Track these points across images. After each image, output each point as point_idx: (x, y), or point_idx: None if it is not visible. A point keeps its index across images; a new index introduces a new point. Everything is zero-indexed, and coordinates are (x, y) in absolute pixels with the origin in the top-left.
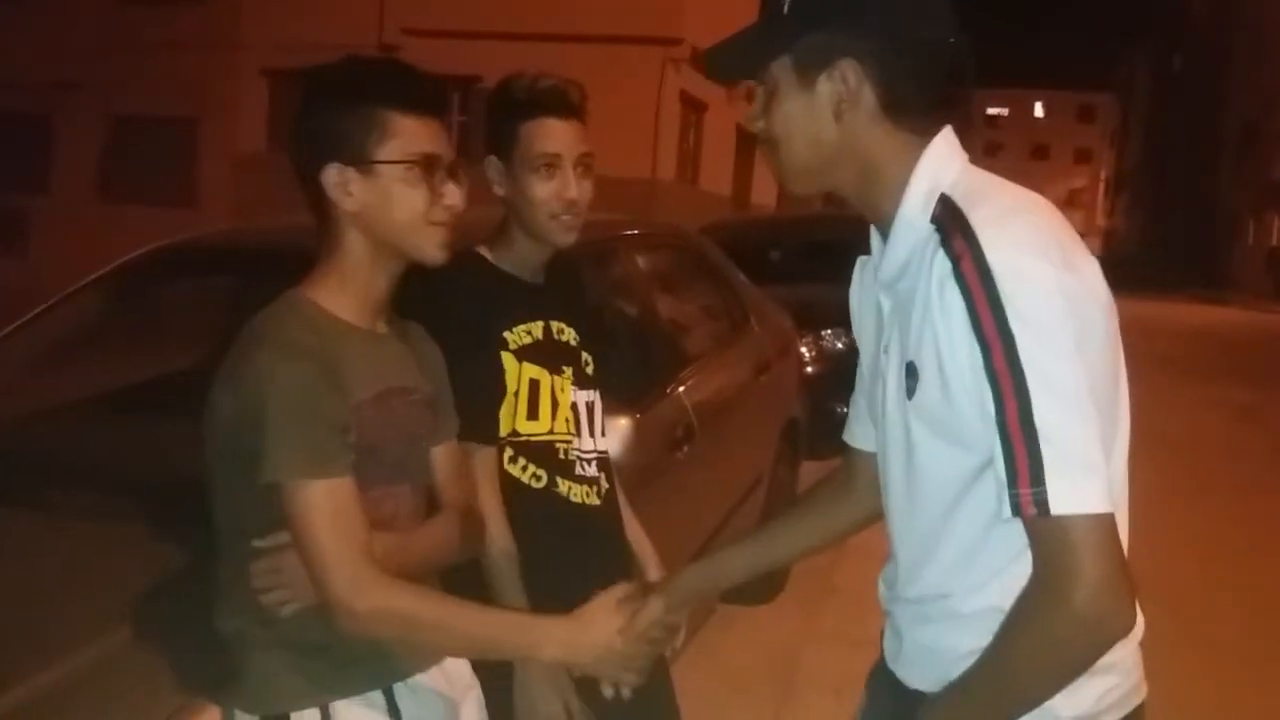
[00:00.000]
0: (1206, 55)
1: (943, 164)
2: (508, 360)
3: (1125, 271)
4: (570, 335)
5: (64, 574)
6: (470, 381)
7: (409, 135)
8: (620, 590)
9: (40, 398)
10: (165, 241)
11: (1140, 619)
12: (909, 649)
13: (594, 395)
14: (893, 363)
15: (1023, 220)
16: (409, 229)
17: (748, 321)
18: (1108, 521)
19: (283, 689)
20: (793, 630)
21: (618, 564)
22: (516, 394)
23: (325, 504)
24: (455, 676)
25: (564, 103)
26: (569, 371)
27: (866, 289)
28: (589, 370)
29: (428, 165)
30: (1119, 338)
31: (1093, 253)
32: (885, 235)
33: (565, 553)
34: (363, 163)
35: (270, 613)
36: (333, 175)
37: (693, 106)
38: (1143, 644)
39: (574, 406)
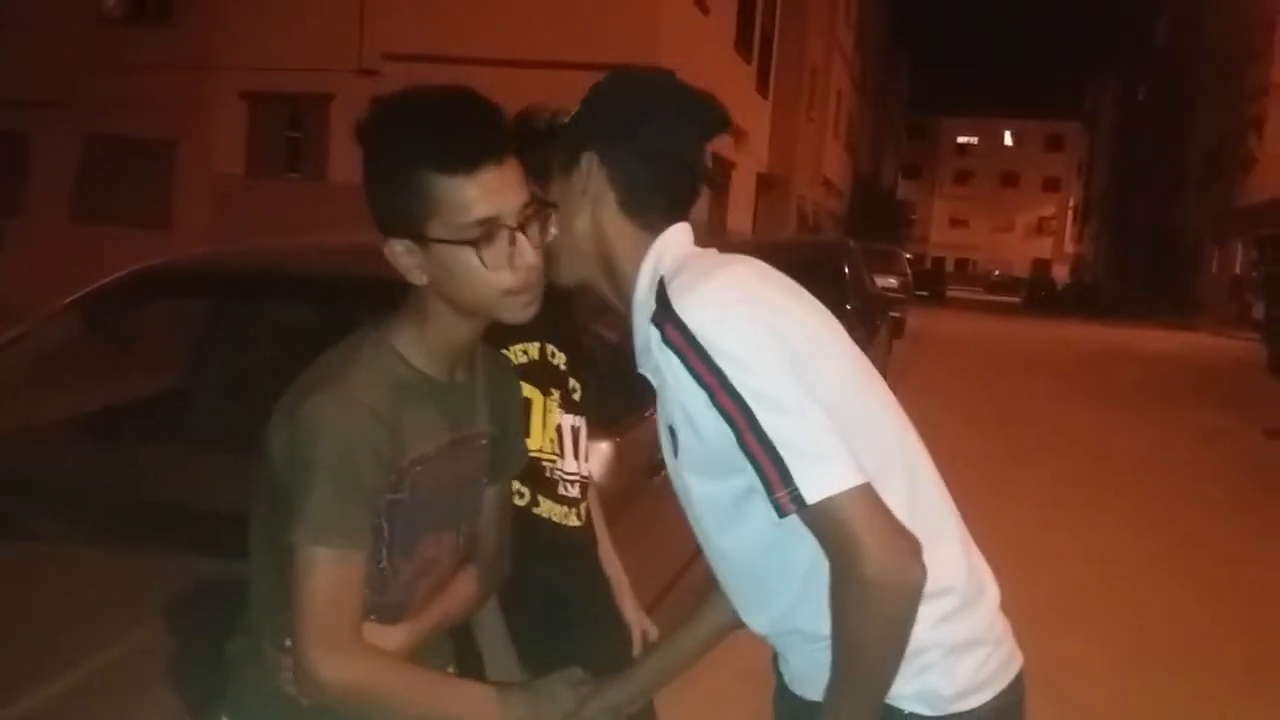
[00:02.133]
0: (1171, 86)
1: (665, 252)
2: None
3: (1093, 297)
4: (561, 360)
5: (42, 598)
6: None
7: (456, 204)
8: (577, 673)
9: (17, 419)
10: (145, 264)
11: (994, 587)
12: (796, 669)
13: (579, 421)
14: (663, 430)
15: (709, 279)
16: (483, 301)
17: None
18: (864, 490)
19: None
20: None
21: (594, 585)
22: None
23: (332, 574)
24: None
25: None
26: (557, 395)
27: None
28: (575, 396)
29: (486, 233)
30: (846, 344)
31: (1060, 279)
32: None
33: (541, 572)
34: (419, 239)
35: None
36: (397, 251)
37: None
38: (1111, 650)
39: (559, 429)
